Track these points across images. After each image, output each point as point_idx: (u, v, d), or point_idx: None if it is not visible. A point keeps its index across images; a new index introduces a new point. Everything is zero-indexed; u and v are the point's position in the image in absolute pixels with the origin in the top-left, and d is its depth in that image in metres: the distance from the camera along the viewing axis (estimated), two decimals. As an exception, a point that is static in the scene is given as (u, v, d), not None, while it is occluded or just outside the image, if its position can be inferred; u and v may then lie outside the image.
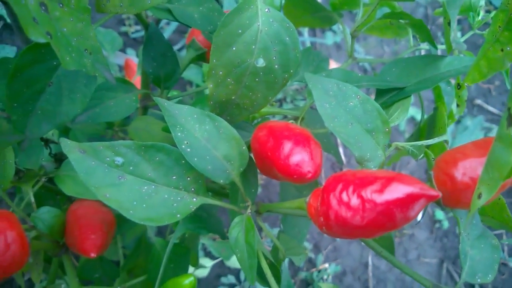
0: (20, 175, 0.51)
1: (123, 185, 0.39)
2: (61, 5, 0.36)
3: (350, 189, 0.37)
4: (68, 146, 0.38)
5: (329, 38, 2.07)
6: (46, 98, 0.43)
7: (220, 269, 1.57)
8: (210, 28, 0.50)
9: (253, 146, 0.48)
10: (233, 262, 1.53)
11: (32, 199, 0.48)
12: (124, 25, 1.61)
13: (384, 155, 0.45)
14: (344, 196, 0.37)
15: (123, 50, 1.52)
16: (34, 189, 0.49)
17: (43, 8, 0.35)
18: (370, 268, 1.95)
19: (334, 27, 2.10)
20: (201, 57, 0.62)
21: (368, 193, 0.36)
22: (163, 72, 0.56)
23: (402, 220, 0.36)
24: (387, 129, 0.44)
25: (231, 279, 1.55)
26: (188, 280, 0.43)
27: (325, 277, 1.84)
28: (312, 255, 1.86)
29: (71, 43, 0.37)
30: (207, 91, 0.98)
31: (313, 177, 0.44)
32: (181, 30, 1.73)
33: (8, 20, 1.40)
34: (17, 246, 0.38)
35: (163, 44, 0.55)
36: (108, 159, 0.39)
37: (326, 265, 1.85)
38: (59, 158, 0.62)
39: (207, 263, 1.39)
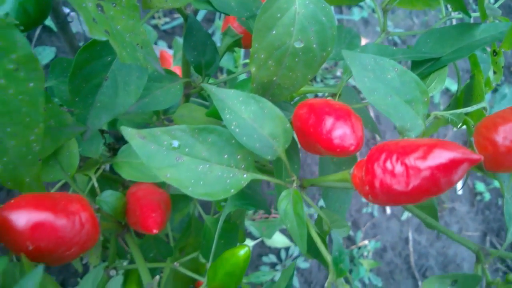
0: (80, 164, 0.55)
1: (181, 165, 0.42)
2: (114, 4, 0.40)
3: (394, 158, 0.39)
4: (129, 133, 0.42)
5: (356, 14, 2.05)
6: (104, 92, 0.47)
7: (261, 249, 1.61)
8: (247, 14, 0.53)
9: (294, 124, 0.51)
10: (273, 242, 1.57)
11: (96, 184, 0.52)
12: (154, 18, 1.65)
13: (424, 124, 0.46)
14: (388, 165, 0.39)
15: (154, 43, 1.56)
16: (96, 175, 0.53)
17: (100, 8, 0.38)
18: (410, 243, 1.95)
19: (361, 3, 2.08)
20: (237, 43, 0.65)
21: (411, 160, 0.38)
22: (204, 60, 0.59)
23: (446, 184, 0.37)
24: (426, 99, 0.46)
25: (272, 258, 1.60)
26: (243, 251, 0.46)
27: (365, 253, 1.86)
28: (351, 232, 1.88)
29: (125, 39, 0.41)
30: (240, 77, 1.02)
31: (355, 149, 0.46)
32: (209, 18, 1.76)
33: (46, 23, 1.46)
34: (90, 225, 0.42)
35: (202, 34, 0.58)
36: (165, 142, 0.43)
37: (366, 241, 1.86)
38: (113, 147, 0.67)
39: (248, 243, 1.44)
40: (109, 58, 0.46)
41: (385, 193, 0.40)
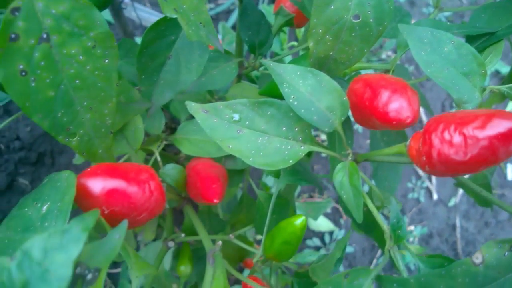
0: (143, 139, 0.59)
1: (242, 137, 0.45)
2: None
3: (452, 128, 0.40)
4: (193, 107, 0.45)
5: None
6: (167, 70, 0.50)
7: (305, 233, 1.63)
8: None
9: (349, 99, 0.52)
10: (317, 226, 1.58)
11: (159, 158, 0.56)
12: None
13: (481, 97, 0.46)
14: (446, 135, 0.40)
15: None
16: (158, 150, 0.57)
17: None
18: (458, 230, 1.91)
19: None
20: (289, 23, 0.67)
21: (470, 130, 0.39)
22: (257, 40, 0.61)
23: (504, 154, 0.38)
24: (482, 71, 0.46)
25: (316, 241, 1.61)
26: (299, 220, 0.48)
27: (411, 239, 1.84)
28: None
29: (190, 17, 0.43)
30: (287, 59, 1.02)
31: (411, 122, 0.47)
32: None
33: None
34: (158, 193, 0.45)
35: (256, 14, 0.59)
36: (227, 116, 0.45)
37: (412, 227, 1.84)
38: (169, 126, 0.70)
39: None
40: (173, 37, 0.49)
41: (442, 163, 0.40)
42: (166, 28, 0.48)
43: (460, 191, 1.98)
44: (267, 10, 1.31)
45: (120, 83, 0.47)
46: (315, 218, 1.26)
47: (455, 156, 0.39)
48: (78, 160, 0.76)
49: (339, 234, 1.62)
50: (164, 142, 0.58)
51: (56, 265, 0.26)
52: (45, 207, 0.39)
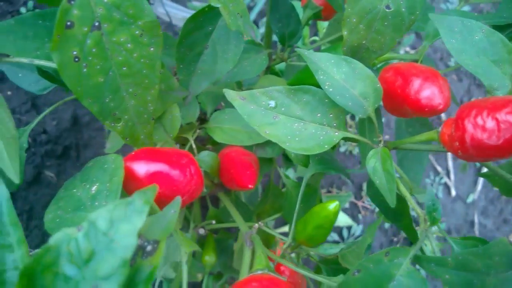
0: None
1: (278, 123, 0.46)
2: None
3: (484, 113, 0.41)
4: (231, 95, 0.46)
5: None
6: (204, 59, 0.52)
7: (324, 228, 1.63)
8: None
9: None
10: (337, 222, 1.59)
11: (194, 145, 0.57)
12: None
13: (511, 84, 0.47)
14: (479, 120, 0.41)
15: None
16: (193, 137, 0.59)
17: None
18: (476, 226, 1.91)
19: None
20: (317, 15, 0.68)
21: (502, 114, 0.40)
22: (287, 31, 0.63)
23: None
24: (513, 59, 0.47)
25: (334, 236, 1.62)
26: (333, 205, 0.50)
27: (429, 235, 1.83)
28: (414, 213, 1.87)
29: (229, 8, 0.45)
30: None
31: (443, 109, 0.49)
32: None
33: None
34: (198, 177, 0.47)
35: (287, 6, 0.61)
36: (264, 102, 0.47)
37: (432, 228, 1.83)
38: (199, 117, 0.72)
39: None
40: (210, 28, 0.51)
41: (475, 148, 0.42)
42: (204, 19, 0.50)
43: (479, 187, 1.97)
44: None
45: (162, 71, 0.49)
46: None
47: (488, 141, 0.40)
48: (110, 149, 0.79)
49: (357, 229, 1.63)
50: (198, 131, 0.60)
51: (121, 235, 0.27)
52: (94, 188, 0.41)
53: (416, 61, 0.60)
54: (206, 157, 0.56)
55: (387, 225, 1.68)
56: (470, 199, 1.93)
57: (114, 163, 0.42)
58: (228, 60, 0.52)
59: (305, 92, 0.47)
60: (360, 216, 1.68)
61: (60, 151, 1.37)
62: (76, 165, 1.39)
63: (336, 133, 0.48)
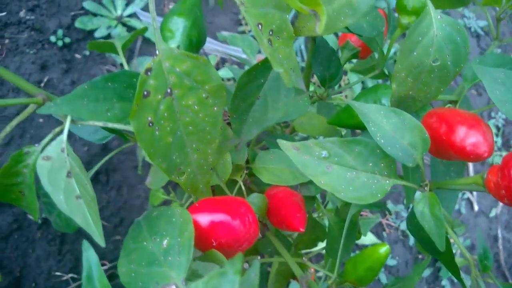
0: (224, 170, 0.63)
1: (332, 173, 0.49)
2: (278, 37, 0.46)
3: (532, 165, 0.43)
4: (284, 145, 0.49)
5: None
6: (256, 109, 0.55)
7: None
8: (375, 33, 0.58)
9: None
10: (362, 239, 1.61)
11: (243, 187, 0.60)
12: (241, 24, 1.74)
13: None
14: (527, 171, 0.43)
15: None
16: (241, 179, 0.61)
17: (270, 43, 0.45)
18: (500, 241, 1.91)
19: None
20: (355, 56, 0.71)
21: (552, 167, 0.42)
22: (328, 74, 0.66)
23: None
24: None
25: (359, 254, 1.63)
26: (384, 248, 0.52)
27: (453, 251, 1.84)
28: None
29: (283, 65, 0.48)
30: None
31: (488, 155, 0.51)
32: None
33: (146, 35, 1.59)
34: (255, 225, 0.50)
35: (328, 51, 0.64)
36: (317, 153, 0.49)
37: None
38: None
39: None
40: (262, 80, 0.54)
41: (524, 197, 0.44)
42: (257, 73, 0.53)
43: (501, 202, 1.96)
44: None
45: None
46: (365, 234, 1.28)
47: (537, 192, 0.42)
48: (152, 185, 0.82)
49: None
50: (245, 172, 0.63)
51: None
52: (165, 242, 0.44)
53: (456, 102, 0.62)
54: (255, 199, 0.58)
55: (411, 241, 1.69)
56: (492, 213, 1.93)
57: (182, 217, 0.45)
58: (278, 109, 0.55)
59: (357, 143, 0.49)
60: (384, 234, 1.69)
61: (91, 176, 1.40)
62: (106, 189, 1.43)
63: (387, 181, 0.50)
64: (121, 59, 0.61)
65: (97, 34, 1.55)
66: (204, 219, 0.47)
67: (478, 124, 0.52)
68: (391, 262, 1.65)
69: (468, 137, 0.51)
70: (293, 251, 0.86)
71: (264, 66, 0.53)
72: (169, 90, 0.42)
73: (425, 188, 0.54)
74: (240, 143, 0.56)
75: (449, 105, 0.64)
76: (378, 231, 1.68)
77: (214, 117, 0.46)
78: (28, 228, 1.32)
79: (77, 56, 1.51)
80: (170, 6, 1.70)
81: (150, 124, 0.42)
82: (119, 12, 1.61)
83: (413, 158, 0.50)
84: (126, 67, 0.62)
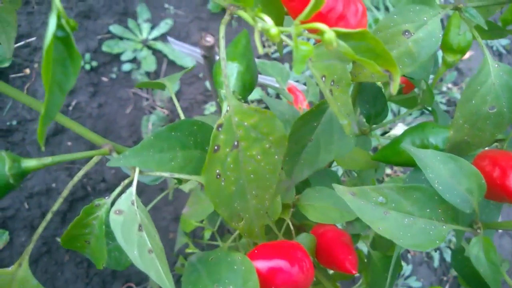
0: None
1: (389, 219, 0.49)
2: (337, 86, 0.47)
3: None
4: (341, 190, 0.49)
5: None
6: (308, 151, 0.55)
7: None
8: (425, 75, 0.58)
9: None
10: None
11: (291, 227, 0.60)
12: (264, 46, 1.75)
13: None
14: None
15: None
16: (289, 217, 0.61)
17: (331, 92, 0.46)
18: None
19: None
20: (399, 92, 0.71)
21: None
22: (374, 111, 0.66)
23: None
24: None
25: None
26: (438, 293, 0.52)
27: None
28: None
29: (346, 115, 0.48)
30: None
31: (545, 202, 0.51)
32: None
33: (171, 58, 1.61)
34: (312, 269, 0.50)
35: (374, 89, 0.64)
36: (374, 198, 0.49)
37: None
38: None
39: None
40: (315, 124, 0.54)
41: None
42: (311, 117, 0.53)
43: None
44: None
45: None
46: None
47: None
48: (190, 216, 0.82)
49: (407, 269, 1.63)
50: (292, 210, 0.63)
51: None
52: (228, 290, 0.44)
53: (504, 140, 0.62)
54: (305, 239, 0.59)
55: (436, 263, 1.67)
56: (517, 234, 1.91)
57: (243, 265, 0.45)
58: (331, 151, 0.55)
59: (415, 190, 0.49)
60: (409, 256, 1.68)
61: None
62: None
63: (444, 227, 0.50)
64: (173, 99, 0.62)
65: (123, 58, 1.57)
66: (263, 265, 0.48)
67: (533, 169, 0.52)
68: (415, 284, 1.63)
69: (522, 183, 0.51)
70: (331, 282, 0.86)
71: (318, 110, 0.54)
72: (236, 143, 0.43)
73: (478, 231, 0.53)
74: (291, 184, 0.57)
75: (496, 144, 0.64)
76: (403, 253, 1.67)
77: (274, 164, 0.47)
78: (57, 251, 1.34)
79: (104, 79, 1.53)
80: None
81: (218, 176, 0.43)
82: (144, 36, 1.63)
83: (470, 204, 0.50)
84: (176, 104, 0.63)
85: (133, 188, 0.42)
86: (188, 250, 1.03)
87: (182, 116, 0.61)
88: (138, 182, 0.46)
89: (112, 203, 0.42)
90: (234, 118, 0.41)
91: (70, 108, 1.45)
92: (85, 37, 1.56)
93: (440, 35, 0.47)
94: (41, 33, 1.50)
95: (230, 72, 0.56)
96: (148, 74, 1.61)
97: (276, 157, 0.46)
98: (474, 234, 0.53)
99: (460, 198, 0.49)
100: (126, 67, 1.59)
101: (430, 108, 0.71)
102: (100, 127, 1.45)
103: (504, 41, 2.09)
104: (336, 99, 0.47)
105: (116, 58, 1.58)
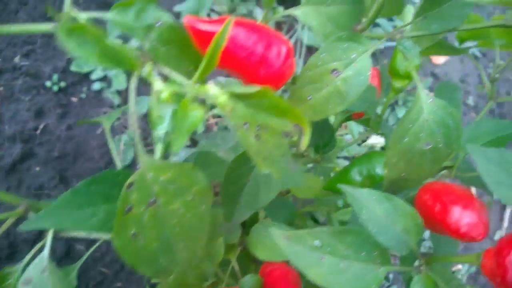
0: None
1: (324, 264, 0.47)
2: (265, 129, 0.46)
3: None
4: (276, 235, 0.48)
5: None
6: (247, 191, 0.54)
7: None
8: (366, 106, 0.57)
9: (418, 207, 0.55)
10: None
11: (237, 267, 0.59)
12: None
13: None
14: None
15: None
16: (235, 257, 0.60)
17: (257, 137, 0.44)
18: (506, 265, 1.87)
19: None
20: (348, 118, 0.70)
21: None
22: (321, 141, 0.65)
23: None
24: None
25: None
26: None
27: (458, 277, 1.81)
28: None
29: (272, 163, 0.46)
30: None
31: (482, 238, 0.50)
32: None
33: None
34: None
35: (321, 121, 0.63)
36: (309, 243, 0.48)
37: (460, 266, 1.82)
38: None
39: None
40: (251, 164, 0.53)
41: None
42: (247, 157, 0.52)
43: (505, 224, 1.95)
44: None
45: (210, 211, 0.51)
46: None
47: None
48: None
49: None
50: (239, 248, 0.62)
51: None
52: None
53: (452, 167, 0.61)
54: (249, 280, 0.57)
55: None
56: (497, 236, 1.91)
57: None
58: (271, 190, 0.54)
59: (349, 233, 0.48)
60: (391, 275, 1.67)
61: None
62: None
63: (381, 269, 0.49)
64: (107, 136, 0.60)
65: (93, 76, 1.55)
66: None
67: (472, 203, 0.51)
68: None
69: (462, 219, 0.50)
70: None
71: (253, 151, 0.52)
72: (152, 200, 0.41)
73: (421, 268, 0.52)
74: (232, 226, 0.55)
75: (444, 171, 0.63)
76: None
77: (201, 214, 0.45)
78: None
79: (73, 99, 1.51)
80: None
81: (133, 236, 0.41)
82: (114, 53, 1.60)
83: (407, 245, 0.48)
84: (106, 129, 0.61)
85: (44, 253, 0.40)
86: None
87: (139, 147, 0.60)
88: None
89: (24, 269, 0.40)
90: (149, 174, 0.40)
91: (38, 131, 1.43)
92: (53, 57, 1.54)
93: (369, 73, 0.46)
94: (5, 55, 1.48)
95: (164, 112, 0.54)
96: (119, 92, 1.58)
97: (202, 206, 0.44)
98: (418, 272, 0.52)
99: (396, 239, 0.48)
100: (96, 86, 1.56)
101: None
102: (70, 150, 1.42)
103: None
104: (265, 143, 0.46)
105: (85, 77, 1.56)
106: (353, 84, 0.46)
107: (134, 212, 0.40)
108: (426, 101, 0.47)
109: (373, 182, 0.62)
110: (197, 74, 0.31)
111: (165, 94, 0.31)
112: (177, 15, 1.65)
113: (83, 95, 1.53)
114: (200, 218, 0.45)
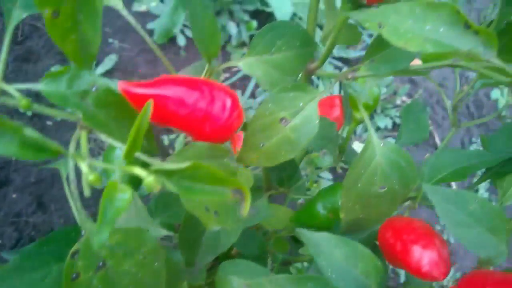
0: None
1: (285, 311, 0.47)
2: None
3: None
4: (235, 283, 0.47)
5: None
6: (208, 236, 0.53)
7: None
8: (325, 144, 0.57)
9: (381, 244, 0.55)
10: None
11: (203, 310, 0.58)
12: (214, 73, 1.74)
13: (507, 252, 0.48)
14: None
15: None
16: (202, 299, 0.59)
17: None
18: (491, 268, 1.89)
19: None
20: (310, 151, 0.70)
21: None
22: (285, 175, 0.64)
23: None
24: (507, 227, 0.48)
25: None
26: None
27: (444, 282, 1.83)
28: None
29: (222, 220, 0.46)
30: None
31: (444, 277, 0.50)
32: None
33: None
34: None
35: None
36: (269, 291, 0.47)
37: (444, 270, 1.82)
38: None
39: None
40: (209, 209, 0.52)
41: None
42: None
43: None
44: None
45: (169, 259, 0.50)
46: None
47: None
48: None
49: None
50: (206, 288, 0.61)
51: None
52: None
53: (416, 197, 0.61)
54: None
55: None
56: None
57: None
58: (231, 233, 0.53)
59: (310, 279, 0.47)
60: None
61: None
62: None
63: (344, 313, 0.48)
64: (64, 185, 0.59)
65: (67, 98, 1.53)
66: None
67: (432, 242, 0.51)
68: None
69: (423, 259, 0.50)
70: None
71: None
72: (101, 264, 0.40)
73: (387, 306, 0.52)
74: (195, 271, 0.55)
75: (408, 202, 0.63)
76: None
77: (155, 271, 0.44)
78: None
79: (48, 123, 1.49)
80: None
81: (84, 301, 0.40)
82: (89, 74, 1.59)
83: (367, 287, 0.48)
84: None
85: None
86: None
87: (83, 215, 0.59)
88: None
89: None
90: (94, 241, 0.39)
91: (13, 158, 1.41)
92: (26, 81, 1.52)
93: (317, 122, 0.45)
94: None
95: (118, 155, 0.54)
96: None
97: (156, 263, 0.44)
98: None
99: (356, 283, 0.48)
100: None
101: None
102: (47, 175, 1.41)
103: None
104: (210, 203, 0.46)
105: (60, 99, 1.54)
106: (302, 132, 0.46)
107: (82, 278, 0.39)
108: (378, 144, 0.46)
109: (337, 215, 0.62)
110: (123, 153, 0.31)
111: (91, 177, 0.30)
112: (151, 32, 1.64)
113: (58, 118, 1.51)
114: (154, 274, 0.44)
